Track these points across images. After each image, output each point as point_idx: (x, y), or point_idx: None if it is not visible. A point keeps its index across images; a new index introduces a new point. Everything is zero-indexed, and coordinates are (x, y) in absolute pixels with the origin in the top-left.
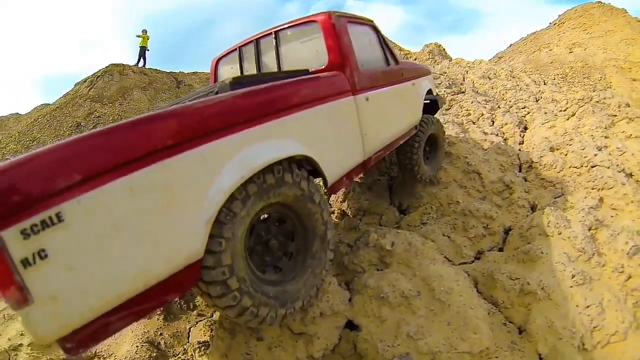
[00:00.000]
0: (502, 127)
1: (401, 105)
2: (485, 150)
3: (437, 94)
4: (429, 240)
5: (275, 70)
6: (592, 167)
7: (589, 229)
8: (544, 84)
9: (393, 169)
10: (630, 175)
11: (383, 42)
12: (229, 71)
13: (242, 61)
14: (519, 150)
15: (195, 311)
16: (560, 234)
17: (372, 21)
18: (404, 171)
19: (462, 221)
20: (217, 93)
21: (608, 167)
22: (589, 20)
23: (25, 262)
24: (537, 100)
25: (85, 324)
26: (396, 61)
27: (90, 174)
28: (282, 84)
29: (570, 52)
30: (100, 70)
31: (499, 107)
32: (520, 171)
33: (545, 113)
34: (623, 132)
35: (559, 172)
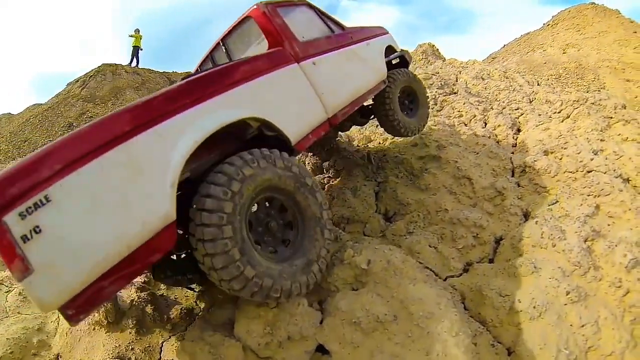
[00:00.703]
0: (494, 129)
1: (357, 63)
2: (477, 153)
3: (402, 50)
4: (410, 257)
5: None
6: (588, 172)
7: (585, 241)
8: (538, 84)
9: (380, 173)
10: (627, 180)
11: (322, 14)
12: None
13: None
14: (512, 153)
15: (168, 324)
16: (554, 246)
17: (305, 1)
18: (385, 127)
19: (451, 230)
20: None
21: (604, 173)
22: (583, 21)
23: (25, 238)
24: (530, 102)
25: (82, 290)
26: (342, 28)
27: (67, 163)
28: (220, 68)
29: (563, 53)
30: (92, 70)
31: (491, 108)
32: (513, 176)
33: (539, 115)
34: (619, 134)
35: (553, 177)
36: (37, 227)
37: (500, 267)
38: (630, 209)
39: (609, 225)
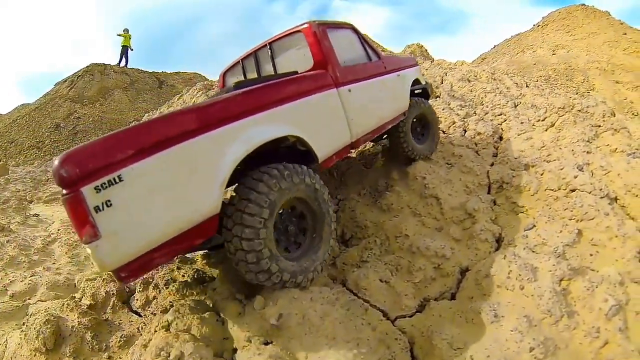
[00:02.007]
0: (474, 137)
1: (385, 94)
2: (450, 167)
3: (427, 82)
4: (335, 309)
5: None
6: (572, 191)
7: (560, 281)
8: (526, 86)
9: (342, 189)
10: (615, 199)
11: (363, 41)
12: (234, 81)
13: (245, 72)
14: (491, 165)
15: (106, 353)
16: (522, 288)
17: (350, 24)
18: (396, 152)
19: (409, 260)
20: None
21: (590, 192)
22: (573, 22)
23: (97, 209)
24: (515, 106)
25: (136, 257)
26: (378, 56)
27: (139, 150)
28: (273, 84)
29: (553, 54)
30: (81, 70)
31: (474, 113)
32: (489, 192)
33: (522, 123)
34: (607, 145)
35: (533, 194)
36: (109, 200)
37: (460, 307)
38: (616, 236)
39: (591, 255)
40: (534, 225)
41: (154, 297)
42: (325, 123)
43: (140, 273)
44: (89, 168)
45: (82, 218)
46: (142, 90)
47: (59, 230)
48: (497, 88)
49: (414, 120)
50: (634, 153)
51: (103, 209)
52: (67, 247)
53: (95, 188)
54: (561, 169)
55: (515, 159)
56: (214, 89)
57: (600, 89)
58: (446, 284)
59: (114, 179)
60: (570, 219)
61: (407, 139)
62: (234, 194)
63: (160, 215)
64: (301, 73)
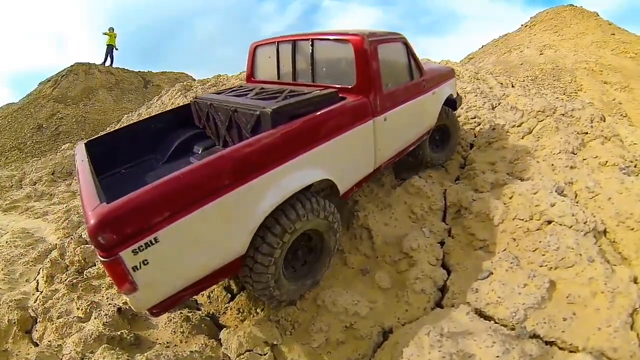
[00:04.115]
0: None
1: (418, 116)
2: (397, 186)
3: (457, 94)
4: None
5: (309, 75)
6: (547, 223)
7: None
8: (512, 86)
9: None
10: (604, 233)
11: (411, 56)
12: (266, 60)
13: (279, 56)
14: (450, 185)
15: None
16: None
17: (403, 37)
18: (411, 159)
19: (312, 316)
20: (258, 117)
21: (570, 227)
22: (561, 22)
23: (135, 268)
24: (493, 108)
25: (167, 297)
26: (420, 73)
27: (176, 210)
28: (312, 121)
29: (540, 54)
30: (65, 69)
31: None
32: (444, 220)
33: (493, 129)
34: (596, 157)
35: (497, 225)
36: (146, 260)
37: None
38: (602, 292)
39: (565, 320)
40: (491, 273)
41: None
42: (353, 157)
43: (170, 308)
44: (126, 234)
45: (121, 278)
46: (127, 90)
47: (7, 242)
48: (478, 88)
49: (435, 128)
50: (627, 167)
51: (140, 268)
52: (3, 262)
53: (132, 251)
54: (535, 193)
55: (483, 174)
56: (192, 89)
57: (588, 89)
58: (358, 349)
59: (150, 242)
60: (541, 266)
61: (424, 151)
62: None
63: (192, 262)
64: (342, 100)
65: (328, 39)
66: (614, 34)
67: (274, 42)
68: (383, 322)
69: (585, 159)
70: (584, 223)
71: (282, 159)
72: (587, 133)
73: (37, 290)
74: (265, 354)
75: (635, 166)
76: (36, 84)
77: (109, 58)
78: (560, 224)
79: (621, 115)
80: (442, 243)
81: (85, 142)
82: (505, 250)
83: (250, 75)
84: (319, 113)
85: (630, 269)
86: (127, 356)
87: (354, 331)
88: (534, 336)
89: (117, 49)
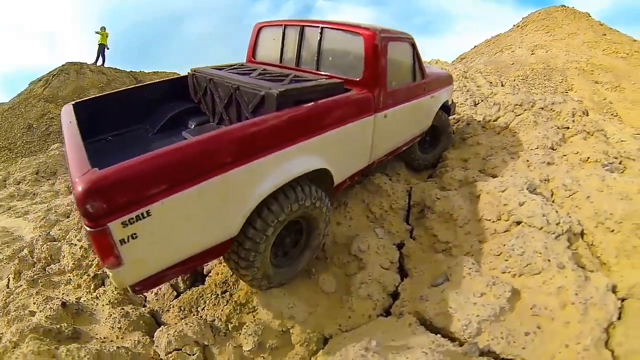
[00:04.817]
0: None
1: (415, 117)
2: (356, 183)
3: (452, 101)
4: None
5: (314, 63)
6: (516, 224)
7: None
8: (502, 85)
9: None
10: (581, 235)
11: (417, 58)
12: (270, 41)
13: (285, 39)
14: (417, 183)
15: None
16: None
17: (411, 38)
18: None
19: (248, 318)
20: (262, 97)
21: (540, 228)
22: (552, 22)
23: (122, 241)
24: (476, 104)
25: (150, 275)
26: (423, 75)
27: (173, 184)
28: (318, 109)
29: (532, 54)
30: (56, 68)
31: None
32: (407, 220)
33: (469, 124)
34: (577, 153)
35: (461, 226)
36: (135, 234)
37: None
38: (573, 303)
39: (527, 335)
40: (447, 280)
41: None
42: (351, 150)
43: (153, 286)
44: (117, 204)
45: (106, 250)
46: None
47: None
48: (465, 86)
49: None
50: (611, 164)
51: (128, 242)
52: None
53: (122, 223)
54: (503, 191)
55: (452, 171)
56: None
57: (579, 89)
58: (293, 356)
59: (142, 214)
60: (503, 272)
61: (413, 150)
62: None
63: (183, 240)
64: (347, 91)
65: (339, 29)
66: (605, 35)
67: (281, 24)
68: (323, 328)
69: (565, 155)
70: (557, 224)
71: (286, 142)
72: (568, 128)
73: (7, 287)
74: (194, 354)
75: (620, 162)
76: (27, 84)
77: (100, 57)
78: (530, 225)
79: (612, 114)
80: (402, 245)
81: (73, 103)
82: (468, 253)
83: (252, 55)
84: (325, 101)
85: (609, 275)
86: (54, 347)
87: (289, 336)
88: (488, 353)
89: (108, 48)
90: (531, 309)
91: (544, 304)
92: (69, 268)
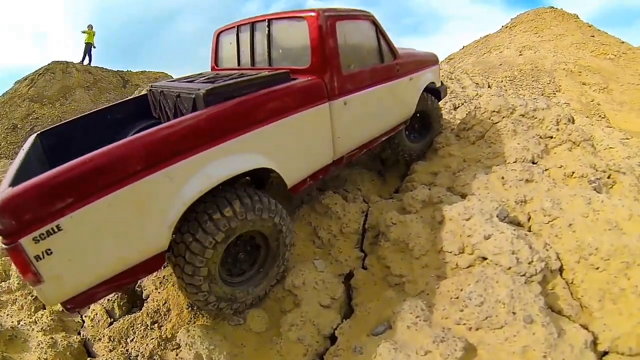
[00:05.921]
0: (384, 151)
1: (390, 102)
2: (304, 203)
3: (441, 84)
4: None
5: (266, 59)
6: (481, 259)
7: None
8: (489, 86)
9: None
10: (559, 272)
11: (381, 36)
12: (227, 45)
13: (239, 40)
14: (377, 201)
15: None
16: None
17: (371, 15)
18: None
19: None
20: (194, 100)
21: (508, 269)
22: (541, 24)
23: (37, 257)
24: (455, 108)
25: (80, 292)
26: (394, 55)
27: (80, 196)
28: (247, 102)
29: (520, 55)
30: (42, 67)
31: None
32: (360, 246)
33: (441, 132)
34: (560, 166)
35: (418, 257)
36: (49, 249)
37: None
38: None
39: None
40: (390, 327)
41: None
42: (303, 146)
43: (86, 304)
44: (25, 220)
45: (24, 267)
46: (106, 89)
47: None
48: (448, 88)
49: (414, 115)
50: (599, 179)
51: (44, 257)
52: None
53: (33, 239)
54: (468, 219)
55: (414, 191)
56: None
57: (567, 90)
58: None
59: (52, 229)
60: (458, 324)
61: (400, 141)
62: (186, 220)
63: (104, 256)
64: (292, 80)
65: (284, 18)
66: (593, 36)
67: (234, 26)
68: None
69: (547, 170)
70: (529, 263)
71: (207, 143)
72: (551, 137)
73: None
74: None
75: (609, 176)
76: (12, 83)
77: (87, 56)
78: (496, 264)
79: (600, 116)
80: (351, 275)
81: (38, 133)
82: (422, 292)
83: (215, 63)
84: (256, 94)
85: (590, 322)
86: None
87: None
88: None
89: (95, 47)
90: None
91: (509, 349)
92: (15, 287)
